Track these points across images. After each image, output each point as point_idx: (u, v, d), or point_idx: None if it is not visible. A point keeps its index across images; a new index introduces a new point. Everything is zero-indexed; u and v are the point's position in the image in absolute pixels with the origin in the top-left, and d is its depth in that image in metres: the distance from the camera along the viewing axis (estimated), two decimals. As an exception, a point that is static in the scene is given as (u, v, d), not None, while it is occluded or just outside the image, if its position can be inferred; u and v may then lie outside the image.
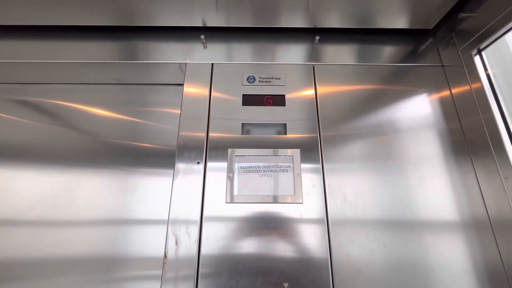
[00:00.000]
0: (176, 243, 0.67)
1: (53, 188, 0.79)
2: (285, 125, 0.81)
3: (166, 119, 0.87)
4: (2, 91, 0.90)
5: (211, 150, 0.77)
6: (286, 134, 0.79)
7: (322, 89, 0.86)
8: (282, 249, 0.67)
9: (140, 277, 0.69)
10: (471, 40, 0.78)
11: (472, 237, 0.70)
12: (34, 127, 0.87)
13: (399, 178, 0.75)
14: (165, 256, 0.66)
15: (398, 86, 0.87)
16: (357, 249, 0.68)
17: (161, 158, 0.82)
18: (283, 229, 0.69)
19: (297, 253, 0.66)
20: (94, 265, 0.69)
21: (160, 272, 0.65)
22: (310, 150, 0.77)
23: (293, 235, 0.68)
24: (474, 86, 0.77)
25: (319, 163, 0.76)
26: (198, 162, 0.75)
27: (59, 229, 0.74)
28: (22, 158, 0.83)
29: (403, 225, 0.70)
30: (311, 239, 0.68)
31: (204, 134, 0.78)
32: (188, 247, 0.66)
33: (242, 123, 0.81)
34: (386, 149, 0.78)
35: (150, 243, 0.73)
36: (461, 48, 0.81)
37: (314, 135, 0.79)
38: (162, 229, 0.72)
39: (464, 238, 0.70)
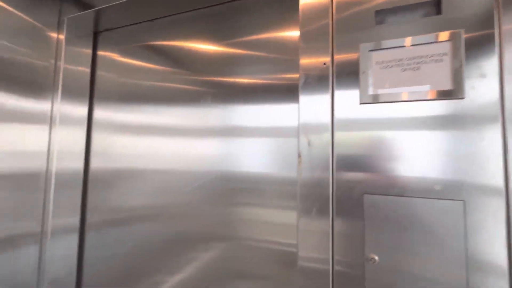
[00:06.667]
0: (309, 144, 0.68)
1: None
2: (438, 1, 0.61)
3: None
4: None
5: (339, 45, 0.68)
6: (440, 13, 0.60)
7: None
8: (427, 149, 0.58)
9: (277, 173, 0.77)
10: None
11: None
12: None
13: None
14: (299, 156, 0.68)
15: None
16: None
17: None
18: (427, 129, 0.58)
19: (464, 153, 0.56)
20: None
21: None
22: (479, 28, 0.57)
23: (452, 130, 0.57)
24: None
25: (493, 45, 0.56)
26: (324, 63, 0.69)
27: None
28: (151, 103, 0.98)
29: None
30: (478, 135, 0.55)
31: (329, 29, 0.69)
32: (321, 148, 0.66)
33: (375, 11, 0.66)
34: None
35: (282, 157, 0.78)
36: None
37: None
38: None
39: None
